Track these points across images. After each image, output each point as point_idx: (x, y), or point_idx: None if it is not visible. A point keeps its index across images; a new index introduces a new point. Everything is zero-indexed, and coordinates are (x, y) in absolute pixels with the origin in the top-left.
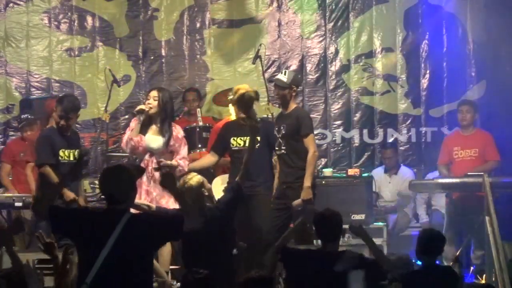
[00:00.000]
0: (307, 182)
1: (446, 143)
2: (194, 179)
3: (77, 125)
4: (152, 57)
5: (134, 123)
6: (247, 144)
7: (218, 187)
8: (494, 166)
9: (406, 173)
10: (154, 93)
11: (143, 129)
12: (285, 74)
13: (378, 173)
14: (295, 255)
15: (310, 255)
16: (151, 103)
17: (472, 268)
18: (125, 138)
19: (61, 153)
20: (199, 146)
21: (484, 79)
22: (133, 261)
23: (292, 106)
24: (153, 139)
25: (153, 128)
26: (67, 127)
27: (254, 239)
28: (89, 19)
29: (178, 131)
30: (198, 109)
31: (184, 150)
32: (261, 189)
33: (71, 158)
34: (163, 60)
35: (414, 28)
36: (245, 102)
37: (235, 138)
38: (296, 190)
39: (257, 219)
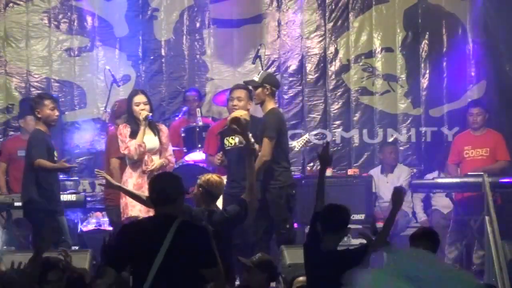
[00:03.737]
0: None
1: (457, 142)
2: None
3: (76, 125)
4: (151, 57)
5: (127, 130)
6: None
7: None
8: (505, 166)
9: (401, 170)
10: (142, 98)
11: (133, 134)
12: (258, 74)
13: (375, 174)
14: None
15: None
16: (145, 108)
17: (473, 268)
18: (131, 145)
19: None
20: (199, 146)
21: (484, 79)
22: (186, 267)
23: (268, 107)
24: (150, 140)
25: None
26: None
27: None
28: (88, 19)
29: (165, 129)
30: (198, 109)
31: (170, 147)
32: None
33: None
34: (162, 60)
35: (414, 28)
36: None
37: (228, 138)
38: (271, 192)
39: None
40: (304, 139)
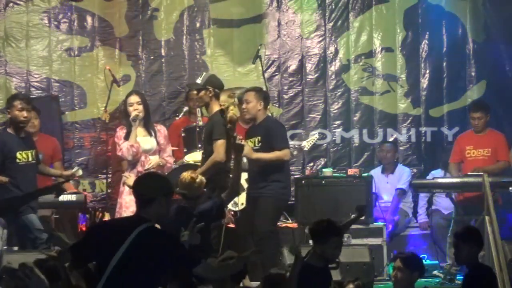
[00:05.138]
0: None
1: (459, 142)
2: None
3: (76, 125)
4: (152, 57)
5: (122, 132)
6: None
7: None
8: (505, 167)
9: (402, 170)
10: (136, 98)
11: (128, 135)
12: (201, 76)
13: (375, 174)
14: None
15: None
16: (138, 108)
17: None
18: (124, 146)
19: (18, 155)
20: (199, 146)
21: (484, 79)
22: (139, 273)
23: (214, 109)
24: (145, 141)
25: (140, 130)
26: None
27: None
28: (88, 19)
29: (163, 129)
30: (198, 109)
31: (169, 147)
32: (264, 190)
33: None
34: (163, 60)
35: (414, 28)
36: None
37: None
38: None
39: (258, 220)
40: (314, 139)
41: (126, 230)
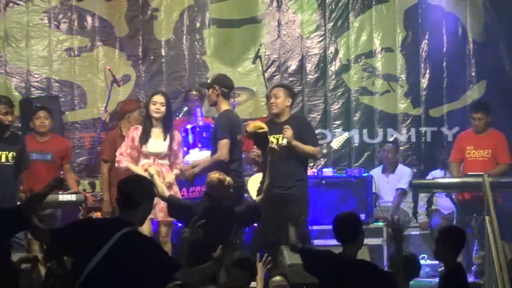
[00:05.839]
0: (197, 168)
1: (460, 140)
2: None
3: (76, 125)
4: (152, 57)
5: (135, 133)
6: (279, 142)
7: (255, 185)
8: (506, 169)
9: (403, 170)
10: (161, 99)
11: (144, 135)
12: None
13: (376, 173)
14: (316, 256)
15: (330, 257)
16: (160, 108)
17: (473, 268)
18: (120, 157)
19: None
20: (199, 146)
21: (484, 79)
22: (119, 276)
23: (222, 108)
24: (157, 144)
25: (156, 132)
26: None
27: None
28: (89, 19)
29: (178, 136)
30: (198, 109)
31: (181, 154)
32: (292, 191)
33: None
34: (163, 60)
35: (414, 28)
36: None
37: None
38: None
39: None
40: (343, 138)
41: (108, 232)
